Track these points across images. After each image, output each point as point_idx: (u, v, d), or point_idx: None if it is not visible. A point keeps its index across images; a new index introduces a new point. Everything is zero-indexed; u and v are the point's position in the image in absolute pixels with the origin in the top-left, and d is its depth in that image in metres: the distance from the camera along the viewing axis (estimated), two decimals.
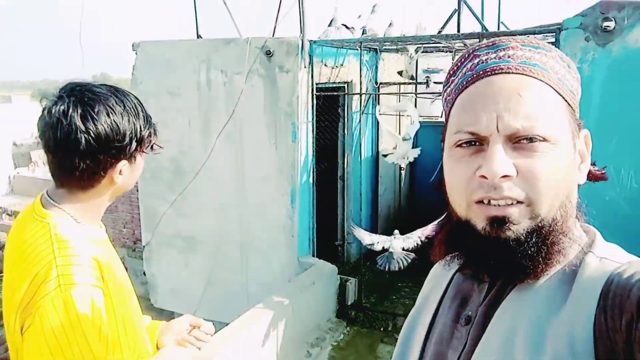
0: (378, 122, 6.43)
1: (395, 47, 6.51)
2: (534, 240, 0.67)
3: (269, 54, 4.86)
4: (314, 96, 4.98)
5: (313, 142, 5.08)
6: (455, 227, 0.75)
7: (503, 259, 0.68)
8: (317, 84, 5.01)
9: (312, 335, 4.47)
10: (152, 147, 1.35)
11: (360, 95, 5.63)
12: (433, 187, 0.85)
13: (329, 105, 5.58)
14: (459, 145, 0.72)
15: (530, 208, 0.67)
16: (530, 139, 0.66)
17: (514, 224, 0.67)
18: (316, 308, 4.62)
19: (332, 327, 4.72)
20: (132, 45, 5.59)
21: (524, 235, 0.67)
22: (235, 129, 5.08)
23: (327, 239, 5.74)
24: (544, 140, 0.66)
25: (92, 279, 1.17)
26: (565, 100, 0.71)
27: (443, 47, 6.40)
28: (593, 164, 0.78)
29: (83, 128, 1.17)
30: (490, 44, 0.73)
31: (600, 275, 0.65)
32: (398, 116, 7.09)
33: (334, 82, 5.47)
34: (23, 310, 1.15)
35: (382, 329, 4.77)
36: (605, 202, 3.74)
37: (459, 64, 0.77)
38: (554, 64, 0.72)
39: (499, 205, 0.67)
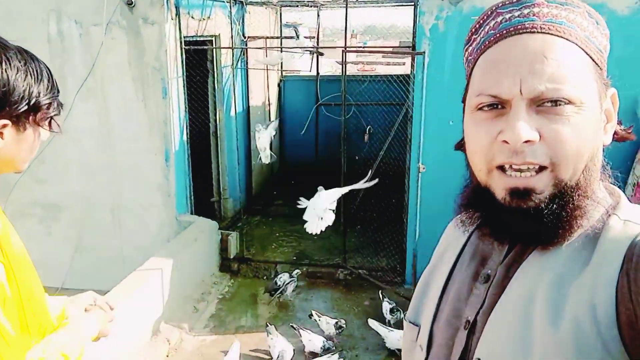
0: (248, 77, 6.42)
1: (260, 1, 6.47)
2: (556, 207, 0.66)
3: (130, 4, 4.52)
4: (183, 50, 4.80)
5: (185, 98, 4.93)
6: (476, 191, 0.74)
7: (523, 227, 0.68)
8: (184, 37, 4.82)
9: (197, 290, 4.50)
10: (50, 123, 1.23)
11: (233, 50, 5.55)
12: (454, 147, 0.82)
13: (198, 60, 5.42)
14: (480, 109, 0.69)
15: (554, 174, 0.65)
16: (555, 102, 0.64)
17: (537, 194, 0.66)
18: (199, 264, 4.65)
19: (217, 281, 4.79)
20: None
21: (546, 203, 0.66)
22: (97, 85, 4.71)
23: (203, 196, 5.71)
24: (569, 102, 0.64)
25: None
26: (593, 59, 0.68)
27: (307, 1, 6.53)
28: (619, 122, 0.74)
29: None
30: (515, 0, 0.70)
31: (623, 239, 0.64)
32: (266, 70, 7.13)
33: (201, 36, 5.30)
34: None
35: (265, 277, 4.97)
36: None
37: (481, 21, 0.73)
38: (582, 20, 0.68)
39: (520, 172, 0.65)
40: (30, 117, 1.16)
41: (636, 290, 0.59)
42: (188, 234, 4.57)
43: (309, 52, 7.02)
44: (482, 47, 0.71)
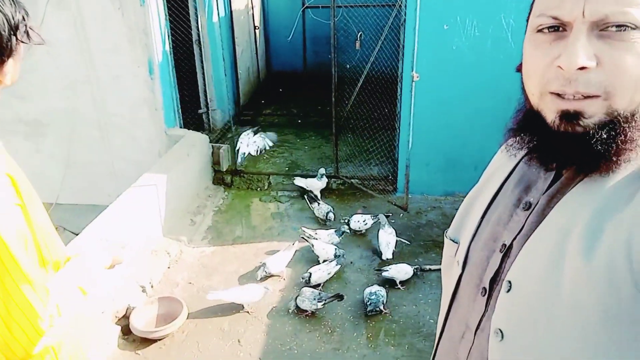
0: None
1: None
2: (605, 135, 0.64)
3: None
4: None
5: (164, 5, 4.63)
6: (527, 115, 0.73)
7: (571, 152, 0.67)
8: None
9: (193, 204, 4.56)
10: (27, 34, 1.16)
11: None
12: (516, 69, 0.78)
13: None
14: (540, 30, 0.67)
15: (607, 102, 0.63)
16: (620, 27, 0.60)
17: (585, 118, 0.64)
18: (193, 178, 4.66)
19: (211, 194, 4.84)
20: None
21: (595, 129, 0.64)
22: None
23: (190, 109, 5.58)
24: (636, 28, 0.60)
25: (10, 196, 1.07)
26: None
27: None
28: None
29: None
30: None
31: None
32: None
33: None
34: None
35: (258, 188, 5.02)
36: (452, 50, 4.14)
37: None
38: None
39: (573, 98, 0.64)
40: (17, 41, 1.10)
41: None
42: (179, 149, 4.52)
43: None
44: None
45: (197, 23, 5.53)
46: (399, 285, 3.56)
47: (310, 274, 3.51)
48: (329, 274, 3.57)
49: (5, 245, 1.02)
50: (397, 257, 3.88)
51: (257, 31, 7.31)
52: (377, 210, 4.58)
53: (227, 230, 4.32)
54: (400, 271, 3.56)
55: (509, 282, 0.72)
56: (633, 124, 0.64)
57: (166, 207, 4.07)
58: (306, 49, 7.01)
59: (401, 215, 4.52)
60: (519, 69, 0.77)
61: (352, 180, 4.94)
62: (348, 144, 5.49)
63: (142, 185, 3.83)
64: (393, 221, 4.42)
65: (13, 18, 1.07)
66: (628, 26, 0.60)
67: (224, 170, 5.03)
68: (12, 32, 1.07)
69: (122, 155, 4.90)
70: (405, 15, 4.13)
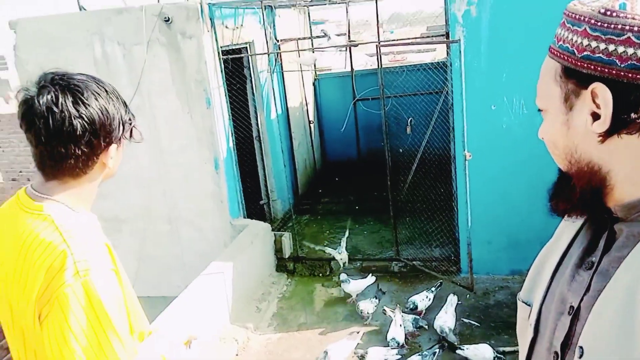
0: (284, 79, 6.53)
1: (289, 3, 6.55)
2: (565, 181, 0.81)
3: (167, 20, 4.70)
4: (221, 60, 4.94)
5: (228, 106, 5.08)
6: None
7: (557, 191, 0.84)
8: (221, 47, 4.96)
9: (258, 291, 4.65)
10: (131, 132, 1.37)
11: (268, 55, 5.66)
12: None
13: (236, 67, 5.56)
14: None
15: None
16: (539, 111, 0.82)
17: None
18: (257, 266, 4.79)
19: (275, 280, 4.93)
20: (9, 23, 5.09)
21: (562, 176, 0.83)
22: (144, 101, 4.91)
23: (253, 200, 5.86)
24: (540, 110, 0.81)
25: (106, 263, 1.21)
26: (562, 64, 0.73)
27: None
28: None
29: (77, 114, 1.18)
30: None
31: None
32: (300, 71, 7.22)
33: (236, 44, 5.44)
34: (38, 302, 1.18)
35: (320, 274, 5.07)
36: (502, 128, 4.24)
37: None
38: (561, 30, 0.74)
39: None
40: (122, 133, 1.30)
41: None
42: (243, 238, 4.71)
43: (341, 49, 7.07)
44: None
45: (257, 120, 5.96)
46: None
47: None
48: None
49: (101, 304, 1.14)
50: (468, 340, 3.73)
51: (311, 125, 7.74)
52: (443, 292, 4.49)
53: (291, 317, 4.34)
54: (479, 354, 3.39)
55: (581, 347, 0.72)
56: (585, 175, 0.76)
57: (233, 295, 4.18)
58: (359, 138, 7.31)
59: (467, 296, 4.40)
60: None
61: (414, 262, 4.90)
62: (407, 227, 5.52)
63: (210, 273, 3.99)
64: (460, 302, 4.30)
65: (123, 114, 1.29)
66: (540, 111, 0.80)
67: (287, 257, 5.15)
68: (119, 125, 1.27)
69: (190, 247, 5.14)
70: (452, 99, 4.32)
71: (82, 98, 1.20)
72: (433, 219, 5.08)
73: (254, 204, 5.92)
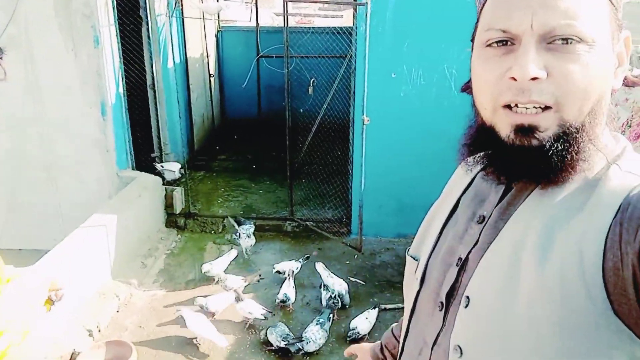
0: (184, 27, 6.15)
1: None
2: (559, 147, 0.65)
3: None
4: None
5: (119, 48, 4.67)
6: (480, 131, 0.74)
7: (526, 165, 0.68)
8: None
9: (144, 247, 4.43)
10: None
11: None
12: (460, 89, 0.81)
13: (131, 6, 5.11)
14: (489, 45, 0.68)
15: (559, 114, 0.65)
16: (566, 40, 0.63)
17: (540, 132, 0.66)
18: (144, 220, 4.55)
19: (164, 236, 4.73)
20: None
21: (550, 142, 0.66)
22: (20, 32, 4.34)
23: (144, 152, 5.53)
24: (581, 41, 0.62)
25: None
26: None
27: None
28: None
29: None
30: None
31: (621, 189, 0.64)
32: (202, 20, 6.85)
33: None
34: None
35: (212, 231, 4.96)
36: (400, 97, 4.37)
37: None
38: None
39: (525, 111, 0.65)
40: None
41: (627, 239, 0.59)
42: (131, 190, 4.44)
43: (247, 2, 6.80)
44: None
45: (152, 68, 5.57)
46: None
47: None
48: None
49: None
50: (353, 298, 3.89)
51: (211, 79, 7.42)
52: (332, 252, 4.62)
53: (179, 273, 4.21)
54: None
55: (467, 297, 0.73)
56: (584, 134, 0.66)
57: (116, 250, 3.94)
58: (260, 96, 7.16)
59: (356, 256, 4.57)
60: (464, 89, 0.80)
61: (307, 223, 4.97)
62: (303, 188, 5.57)
63: (90, 226, 3.72)
64: (347, 262, 4.46)
65: None
66: (573, 39, 0.62)
67: (177, 212, 4.96)
68: None
69: (69, 197, 4.74)
70: (355, 64, 4.35)
71: None
72: (328, 182, 5.17)
73: (145, 156, 5.59)
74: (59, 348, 2.97)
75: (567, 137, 0.66)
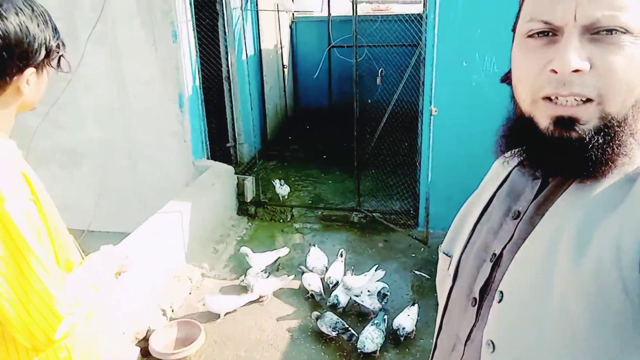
0: (259, 19, 6.30)
1: None
2: (600, 140, 0.64)
3: None
4: None
5: (195, 42, 4.89)
6: (518, 123, 0.73)
7: (565, 158, 0.67)
8: None
9: (216, 233, 4.65)
10: (59, 62, 1.28)
11: None
12: (500, 80, 0.79)
13: (207, 1, 5.32)
14: (531, 36, 0.67)
15: (601, 107, 0.63)
16: (611, 31, 0.61)
17: (580, 124, 0.64)
18: (217, 207, 4.77)
19: (235, 223, 4.93)
20: None
21: (590, 135, 0.64)
22: (107, 29, 4.68)
23: (218, 141, 5.77)
24: (627, 32, 0.61)
25: (24, 192, 1.15)
26: None
27: None
28: None
29: None
30: None
31: None
32: (277, 12, 6.98)
33: None
34: None
35: (281, 220, 5.10)
36: (472, 85, 4.22)
37: None
38: None
39: (566, 102, 0.64)
40: (45, 60, 1.22)
41: None
42: (205, 179, 4.66)
43: None
44: None
45: (227, 60, 5.78)
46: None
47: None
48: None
49: (18, 233, 1.09)
50: (417, 292, 3.86)
51: (285, 70, 7.56)
52: (398, 244, 4.59)
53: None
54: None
55: (501, 292, 0.72)
56: (625, 128, 0.64)
57: (190, 235, 4.17)
58: (332, 86, 7.19)
59: (422, 249, 4.50)
60: (504, 79, 0.79)
61: (374, 214, 4.97)
62: (371, 179, 5.56)
63: (167, 212, 3.96)
64: (413, 255, 4.41)
65: (47, 40, 1.20)
66: (618, 30, 0.61)
67: (248, 201, 5.14)
68: (40, 49, 1.18)
69: (150, 184, 5.07)
70: (425, 52, 4.25)
71: (0, 9, 1.11)
72: (396, 173, 5.12)
73: (220, 146, 5.84)
74: (137, 325, 3.22)
75: (609, 131, 0.64)
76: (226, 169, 4.99)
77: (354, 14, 4.61)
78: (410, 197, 5.01)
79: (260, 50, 6.51)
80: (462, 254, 0.85)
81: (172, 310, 3.59)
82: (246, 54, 5.94)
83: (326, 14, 7.18)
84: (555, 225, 0.68)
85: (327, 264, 4.02)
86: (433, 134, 4.13)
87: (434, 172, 4.31)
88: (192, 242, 4.19)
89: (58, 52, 1.26)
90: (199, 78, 5.00)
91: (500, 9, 3.95)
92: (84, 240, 5.28)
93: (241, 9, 5.71)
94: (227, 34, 5.71)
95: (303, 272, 3.88)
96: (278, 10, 6.98)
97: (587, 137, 0.64)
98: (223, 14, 5.63)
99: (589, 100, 0.63)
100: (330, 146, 6.89)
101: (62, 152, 5.13)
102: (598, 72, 0.62)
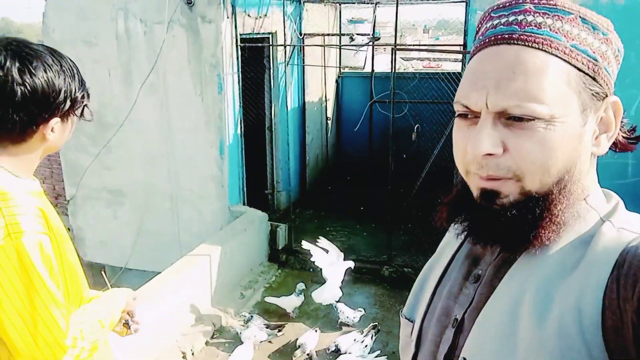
0: (304, 73, 6.55)
1: None
2: (522, 212, 0.66)
3: (190, 3, 4.78)
4: (239, 47, 4.99)
5: (239, 93, 5.13)
6: (461, 190, 0.75)
7: (492, 227, 0.69)
8: (241, 34, 5.02)
9: (245, 278, 4.69)
10: (83, 112, 1.40)
11: (285, 47, 5.68)
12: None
13: (255, 56, 5.60)
14: (459, 116, 0.71)
15: (520, 184, 0.66)
16: (519, 118, 0.64)
17: (501, 198, 0.67)
18: (248, 253, 4.83)
19: (264, 270, 4.96)
20: None
21: (510, 206, 0.67)
22: (159, 79, 5.01)
23: (257, 188, 5.91)
24: (534, 118, 0.63)
25: (40, 226, 1.23)
26: (580, 69, 0.65)
27: None
28: (632, 129, 0.73)
29: (20, 80, 1.20)
30: (507, 4, 0.68)
31: (615, 245, 0.63)
32: (324, 67, 7.22)
33: (258, 33, 5.48)
34: None
35: (311, 269, 5.07)
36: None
37: (480, 23, 0.73)
38: (571, 28, 0.65)
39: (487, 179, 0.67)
40: (70, 110, 1.33)
41: (625, 296, 0.58)
42: (238, 224, 4.76)
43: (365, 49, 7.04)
44: (473, 51, 0.71)
45: (271, 111, 6.00)
46: None
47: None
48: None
49: (32, 265, 1.17)
50: None
51: (329, 122, 7.73)
52: None
53: (274, 307, 4.36)
54: None
55: (464, 358, 0.71)
56: (553, 201, 0.66)
57: (218, 278, 4.23)
58: (372, 139, 7.26)
59: None
60: None
61: (405, 269, 4.87)
62: (406, 234, 5.47)
63: (197, 254, 4.05)
64: None
65: (73, 91, 1.32)
66: (525, 117, 0.63)
67: (280, 248, 5.18)
68: (65, 101, 1.30)
69: (187, 227, 5.23)
70: None
71: (30, 67, 1.23)
72: (430, 228, 5.01)
73: (259, 193, 5.97)
74: None
75: (533, 205, 0.66)
76: (260, 216, 5.08)
77: (393, 71, 4.72)
78: None
79: (304, 103, 6.72)
80: (423, 319, 0.83)
81: (192, 354, 3.61)
82: (290, 106, 6.15)
83: (368, 70, 7.36)
84: (515, 289, 0.68)
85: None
86: None
87: None
88: (219, 286, 4.24)
89: (82, 103, 1.38)
90: (241, 127, 5.20)
91: None
92: (122, 277, 5.46)
93: (287, 64, 5.97)
94: (272, 86, 5.95)
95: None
96: (325, 66, 7.22)
97: (509, 208, 0.66)
98: (270, 68, 5.90)
99: (508, 178, 0.66)
100: (368, 198, 6.87)
101: (107, 191, 5.41)
102: (511, 155, 0.64)
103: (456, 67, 12.66)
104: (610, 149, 0.71)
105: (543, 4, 0.66)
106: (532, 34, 0.65)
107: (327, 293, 4.09)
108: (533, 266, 0.68)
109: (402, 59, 14.60)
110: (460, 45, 5.53)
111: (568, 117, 0.64)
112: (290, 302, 4.25)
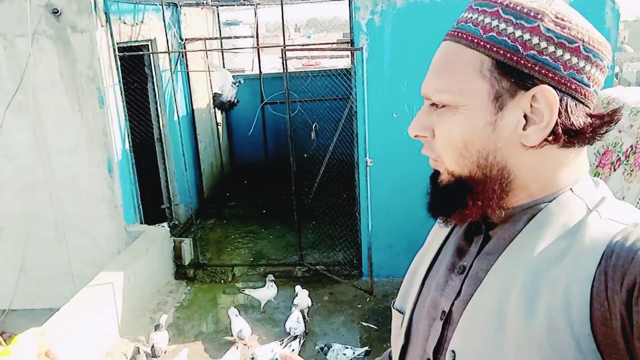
0: (189, 80, 6.31)
1: (194, 2, 6.34)
2: (454, 189, 0.73)
3: (56, 12, 4.35)
4: (117, 57, 4.66)
5: (124, 106, 4.79)
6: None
7: (436, 201, 0.77)
8: (118, 43, 4.68)
9: (153, 301, 4.41)
10: None
11: (167, 53, 5.42)
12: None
13: (136, 65, 5.27)
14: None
15: (444, 165, 0.73)
16: (437, 105, 0.72)
17: (440, 177, 0.76)
18: (153, 274, 4.55)
19: (173, 289, 4.70)
20: None
21: (446, 184, 0.74)
22: (28, 98, 4.50)
23: (154, 205, 5.58)
24: (444, 106, 0.70)
25: None
26: (496, 59, 0.67)
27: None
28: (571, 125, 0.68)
29: None
30: (472, 4, 0.73)
31: (602, 237, 0.63)
32: (208, 72, 7.02)
33: (136, 41, 5.17)
34: None
35: (222, 281, 4.92)
36: (403, 135, 4.35)
37: None
38: (491, 20, 0.68)
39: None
40: None
41: (612, 288, 0.58)
42: (138, 245, 4.45)
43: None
44: None
45: (159, 122, 5.69)
46: None
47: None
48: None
49: None
50: (367, 344, 3.78)
51: (219, 127, 7.54)
52: (343, 296, 4.53)
53: (189, 327, 4.16)
54: None
55: (453, 352, 0.71)
56: (480, 181, 0.70)
57: (123, 307, 3.92)
58: (267, 141, 7.22)
59: (367, 299, 4.47)
60: None
61: (317, 267, 4.91)
62: (312, 231, 5.52)
63: (97, 284, 3.72)
64: (359, 306, 4.36)
65: None
66: (438, 105, 0.71)
67: (186, 264, 4.94)
68: None
69: (79, 255, 4.78)
70: (355, 106, 4.38)
71: None
72: (337, 224, 5.12)
73: (155, 209, 5.64)
74: None
75: (460, 184, 0.73)
76: (161, 232, 4.80)
77: (285, 70, 4.71)
78: (352, 247, 5.01)
79: (192, 110, 6.48)
80: (413, 310, 0.83)
81: None
82: (178, 115, 5.89)
83: (254, 72, 7.29)
84: (502, 281, 0.68)
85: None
86: (370, 184, 4.20)
87: (374, 221, 4.35)
88: (126, 314, 3.94)
89: None
90: (129, 141, 4.87)
91: (423, 61, 4.19)
92: (5, 320, 4.84)
93: (171, 71, 5.70)
94: (157, 96, 5.64)
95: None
96: (209, 71, 7.02)
97: (444, 186, 0.74)
98: (153, 76, 5.58)
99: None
100: (268, 201, 6.83)
101: None
102: (435, 139, 0.73)
103: (336, 63, 13.02)
104: (574, 141, 0.68)
105: (481, 1, 0.70)
106: (458, 30, 0.71)
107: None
108: (519, 257, 0.69)
109: (279, 58, 14.72)
110: (347, 42, 5.68)
111: (474, 105, 0.68)
112: (264, 294, 4.38)
